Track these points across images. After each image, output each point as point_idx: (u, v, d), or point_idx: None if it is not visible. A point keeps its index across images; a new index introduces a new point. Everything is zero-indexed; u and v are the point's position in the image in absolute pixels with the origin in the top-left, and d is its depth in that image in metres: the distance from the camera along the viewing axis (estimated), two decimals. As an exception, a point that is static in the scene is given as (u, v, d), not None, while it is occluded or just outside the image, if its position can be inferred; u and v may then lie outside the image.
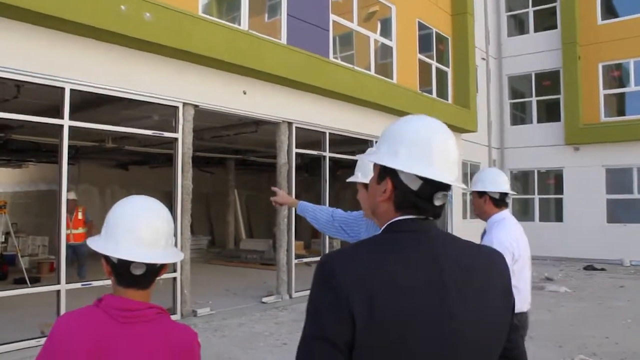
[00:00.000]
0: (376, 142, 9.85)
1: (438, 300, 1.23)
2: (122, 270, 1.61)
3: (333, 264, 1.26)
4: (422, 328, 1.21)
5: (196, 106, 7.94)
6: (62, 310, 6.34)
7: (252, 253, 14.97)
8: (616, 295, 10.95)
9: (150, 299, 1.68)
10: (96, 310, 1.64)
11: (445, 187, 1.34)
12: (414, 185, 1.33)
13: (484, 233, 3.66)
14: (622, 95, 17.58)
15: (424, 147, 1.34)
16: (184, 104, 7.77)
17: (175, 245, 1.75)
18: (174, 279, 7.71)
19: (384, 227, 1.37)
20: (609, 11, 17.57)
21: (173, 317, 7.24)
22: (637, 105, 16.78)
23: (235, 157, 15.89)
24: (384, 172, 1.38)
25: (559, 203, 18.06)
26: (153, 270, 1.63)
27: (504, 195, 3.48)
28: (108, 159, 16.01)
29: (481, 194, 3.50)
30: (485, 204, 3.51)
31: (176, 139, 7.74)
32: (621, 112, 17.46)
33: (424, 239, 1.32)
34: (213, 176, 17.75)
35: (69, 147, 6.52)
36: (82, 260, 10.10)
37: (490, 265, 1.37)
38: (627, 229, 16.13)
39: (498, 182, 3.48)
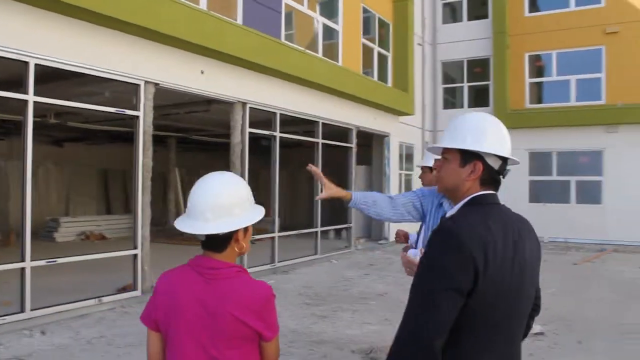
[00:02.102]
0: (322, 122, 10.16)
1: (515, 251, 1.70)
2: (196, 237, 1.91)
3: (459, 229, 1.65)
4: (508, 265, 1.67)
5: (157, 84, 7.97)
6: (28, 288, 6.35)
7: (195, 231, 14.98)
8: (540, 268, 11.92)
9: (234, 260, 1.96)
10: (188, 268, 1.94)
11: (506, 164, 1.84)
12: (496, 165, 1.81)
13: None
14: (544, 84, 18.80)
15: (500, 137, 1.83)
16: (146, 82, 7.78)
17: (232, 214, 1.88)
18: (135, 255, 7.79)
19: (469, 198, 1.80)
20: (535, 5, 18.68)
21: (134, 293, 7.40)
22: (557, 94, 18.03)
23: (177, 135, 15.78)
24: (470, 157, 1.81)
25: (485, 184, 19.13)
26: (218, 237, 1.89)
27: None
28: (43, 135, 15.46)
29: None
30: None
31: (137, 116, 7.75)
32: (544, 99, 18.65)
33: (499, 208, 1.79)
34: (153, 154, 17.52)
35: (5, 121, 6.40)
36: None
37: (527, 224, 1.85)
38: (546, 208, 17.40)
39: None
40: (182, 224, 1.92)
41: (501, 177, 1.83)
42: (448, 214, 1.86)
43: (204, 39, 8.26)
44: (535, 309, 1.96)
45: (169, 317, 1.90)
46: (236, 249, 1.95)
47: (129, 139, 15.68)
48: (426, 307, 1.58)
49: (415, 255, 3.75)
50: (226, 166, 19.54)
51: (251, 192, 2.01)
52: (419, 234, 4.12)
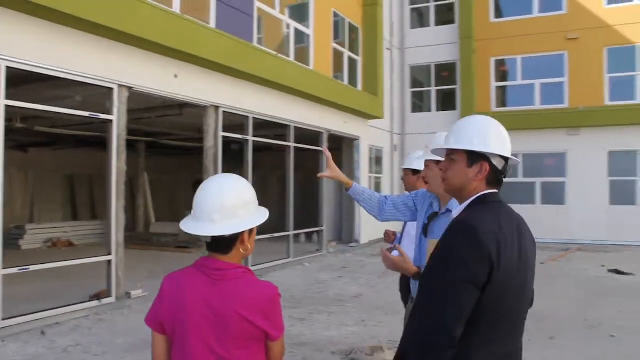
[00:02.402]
0: (294, 126, 10.18)
1: (520, 243, 1.84)
2: (201, 239, 1.94)
3: (476, 225, 1.77)
4: (515, 260, 1.81)
5: (131, 88, 7.88)
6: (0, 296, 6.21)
7: (165, 236, 14.85)
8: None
9: (239, 261, 1.99)
10: (194, 270, 1.96)
11: (507, 163, 1.97)
12: (500, 165, 1.94)
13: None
14: (510, 88, 19.23)
15: (503, 139, 1.97)
16: (119, 86, 7.70)
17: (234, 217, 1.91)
18: (109, 261, 7.68)
19: (477, 196, 1.93)
20: (500, 11, 19.13)
21: (108, 300, 7.30)
22: (522, 98, 18.47)
23: (146, 139, 15.59)
24: (476, 157, 1.93)
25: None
26: (224, 239, 1.91)
27: None
28: (7, 140, 15.05)
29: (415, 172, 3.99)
30: (418, 181, 4.06)
31: (111, 121, 7.65)
32: (509, 103, 19.07)
33: (503, 206, 1.92)
34: (120, 159, 17.27)
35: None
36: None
37: (524, 221, 1.98)
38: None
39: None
40: (188, 226, 1.94)
41: (503, 176, 1.96)
42: (455, 212, 1.94)
43: (179, 43, 8.22)
44: (530, 302, 2.07)
45: (176, 318, 1.91)
46: (241, 250, 1.98)
47: (96, 143, 15.60)
48: (448, 298, 1.71)
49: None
50: (198, 171, 19.47)
51: (255, 195, 2.04)
52: (401, 233, 4.24)
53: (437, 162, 2.99)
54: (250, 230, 1.98)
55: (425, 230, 3.07)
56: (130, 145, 16.39)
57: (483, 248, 1.72)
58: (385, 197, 3.42)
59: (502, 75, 19.17)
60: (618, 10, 17.17)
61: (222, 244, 1.93)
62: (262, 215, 2.01)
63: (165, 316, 1.94)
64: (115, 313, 7.49)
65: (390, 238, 4.18)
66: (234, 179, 2.00)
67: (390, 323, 7.10)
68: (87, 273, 8.54)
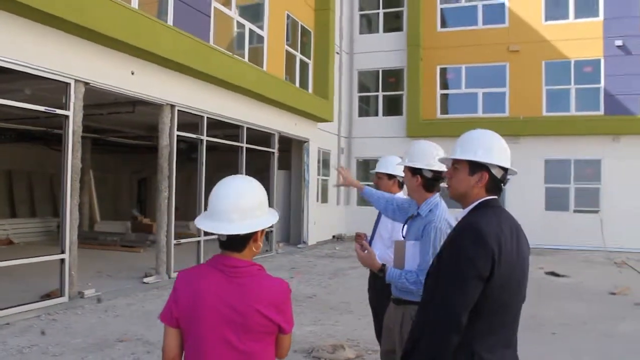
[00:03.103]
0: (247, 127, 10.21)
1: (517, 243, 2.08)
2: (217, 237, 2.04)
3: (481, 227, 2.01)
4: (514, 258, 2.05)
5: (87, 84, 7.73)
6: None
7: (110, 235, 14.52)
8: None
9: (251, 258, 2.08)
10: (209, 267, 2.05)
11: (506, 173, 2.19)
12: (499, 174, 2.17)
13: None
14: (454, 96, 19.88)
15: (502, 150, 2.19)
16: (76, 81, 7.53)
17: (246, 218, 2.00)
18: (62, 260, 7.50)
19: (479, 202, 2.15)
20: (446, 21, 19.77)
21: (60, 299, 7.14)
22: (466, 106, 19.15)
23: (93, 136, 15.17)
24: (477, 167, 2.15)
25: (398, 189, 20.02)
26: (239, 238, 2.01)
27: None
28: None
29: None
30: (393, 185, 4.33)
31: (67, 116, 7.48)
32: (454, 110, 19.68)
33: (503, 211, 2.15)
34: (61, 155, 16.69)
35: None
36: None
37: (519, 224, 2.21)
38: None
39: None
40: (206, 225, 2.01)
41: (502, 184, 2.19)
42: (460, 215, 2.14)
43: (137, 39, 8.13)
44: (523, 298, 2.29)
45: (192, 313, 1.99)
46: (253, 249, 2.08)
47: (36, 138, 15.03)
48: (457, 289, 1.96)
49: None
50: (141, 169, 19.04)
51: (267, 196, 2.15)
52: (372, 234, 4.43)
53: (412, 172, 3.28)
54: (262, 230, 2.08)
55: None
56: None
57: (487, 247, 1.96)
58: (393, 197, 3.75)
59: (447, 83, 19.81)
60: (555, 27, 18.13)
61: (237, 243, 2.02)
62: (273, 215, 2.11)
63: (181, 311, 2.01)
64: (68, 313, 7.32)
65: (362, 239, 4.35)
66: (248, 181, 2.10)
67: (345, 322, 7.29)
68: (32, 272, 8.28)
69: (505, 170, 2.19)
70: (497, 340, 2.04)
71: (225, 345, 1.96)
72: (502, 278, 1.99)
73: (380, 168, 4.33)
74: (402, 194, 4.36)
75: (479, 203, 2.15)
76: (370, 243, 4.37)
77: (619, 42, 17.23)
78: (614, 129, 17.13)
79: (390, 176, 4.26)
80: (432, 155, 3.22)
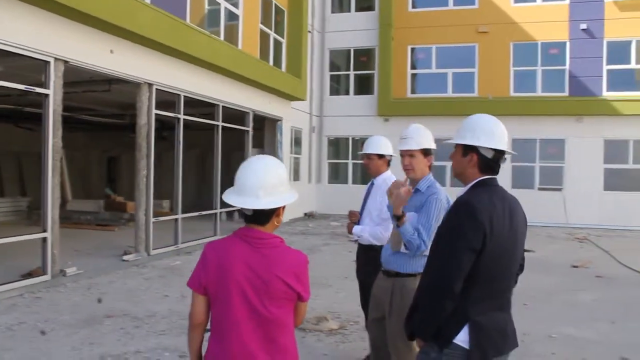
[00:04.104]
0: (222, 106, 10.33)
1: (510, 219, 2.30)
2: (243, 211, 2.23)
3: (473, 202, 2.22)
4: (506, 232, 2.26)
5: (67, 62, 7.70)
6: None
7: (84, 214, 14.45)
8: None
9: (272, 231, 2.29)
10: (235, 238, 2.24)
11: (503, 153, 2.38)
12: (489, 155, 2.35)
13: (371, 185, 4.64)
14: (425, 75, 20.17)
15: (492, 134, 2.36)
16: (56, 59, 7.50)
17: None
18: (44, 239, 7.54)
19: (475, 182, 2.36)
20: (417, 1, 19.93)
21: (43, 277, 7.21)
22: (436, 85, 19.47)
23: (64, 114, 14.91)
24: (468, 149, 2.35)
25: (369, 168, 20.32)
26: (264, 212, 2.20)
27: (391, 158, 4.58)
28: None
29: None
30: (382, 164, 4.55)
31: (47, 95, 7.45)
32: (424, 90, 19.99)
33: (498, 188, 2.36)
34: (31, 133, 16.41)
35: None
36: None
37: (517, 202, 2.43)
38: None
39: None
40: (234, 199, 2.20)
41: (499, 164, 2.38)
42: (459, 193, 2.37)
43: (116, 18, 8.10)
44: (521, 268, 2.58)
45: (221, 280, 2.17)
46: (275, 223, 2.29)
47: (3, 116, 14.70)
48: (450, 260, 2.20)
49: (362, 231, 4.35)
50: (110, 147, 18.72)
51: (287, 173, 2.34)
52: (361, 212, 4.66)
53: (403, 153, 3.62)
54: (284, 205, 2.27)
55: None
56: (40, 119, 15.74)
57: (478, 221, 2.19)
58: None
59: (418, 63, 20.07)
60: (523, 9, 18.53)
61: (262, 217, 2.22)
62: (294, 192, 2.31)
63: (210, 279, 2.19)
64: (51, 291, 7.39)
65: (356, 217, 4.57)
66: (274, 160, 2.29)
67: (325, 296, 7.55)
68: (7, 252, 8.24)
69: (497, 150, 2.36)
70: (489, 305, 2.29)
71: (250, 310, 2.16)
72: (494, 250, 2.21)
73: (370, 149, 4.53)
74: (389, 173, 4.59)
75: (476, 182, 2.36)
76: (358, 221, 4.60)
77: (583, 26, 17.74)
78: (577, 110, 17.73)
79: (380, 156, 4.48)
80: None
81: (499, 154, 2.37)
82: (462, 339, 2.24)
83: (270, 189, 2.18)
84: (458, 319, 2.24)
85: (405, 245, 3.32)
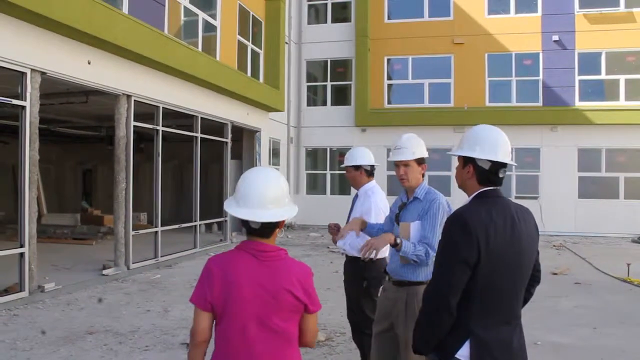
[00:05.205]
0: (201, 117, 10.26)
1: (512, 232, 2.23)
2: (246, 224, 2.19)
3: (466, 217, 2.18)
4: (508, 247, 2.20)
5: (44, 73, 7.57)
6: None
7: (60, 228, 14.15)
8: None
9: (274, 243, 2.25)
10: (240, 252, 2.21)
11: (504, 165, 2.32)
12: (486, 166, 2.30)
13: (356, 197, 4.69)
14: (401, 86, 20.34)
15: (489, 145, 2.31)
16: (32, 70, 7.37)
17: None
18: (21, 254, 7.35)
19: (475, 194, 2.32)
20: (393, 13, 20.13)
21: (21, 294, 7.02)
22: (412, 96, 19.64)
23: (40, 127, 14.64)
24: (467, 161, 2.33)
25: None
26: (270, 225, 2.18)
27: (373, 168, 4.58)
28: None
29: (357, 167, 4.53)
30: (360, 175, 4.53)
31: (23, 107, 7.30)
32: (401, 100, 20.13)
33: (500, 200, 2.30)
34: (3, 146, 16.09)
35: None
36: None
37: (528, 213, 2.37)
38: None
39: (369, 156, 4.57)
40: (240, 212, 2.16)
41: (498, 175, 2.31)
42: (459, 206, 2.35)
43: (93, 28, 7.99)
44: (536, 279, 2.51)
45: (228, 295, 2.12)
46: (277, 234, 2.27)
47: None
48: (444, 274, 2.19)
49: (344, 244, 4.33)
50: (85, 160, 18.50)
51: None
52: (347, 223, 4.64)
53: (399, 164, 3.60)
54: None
55: (397, 218, 3.53)
56: (15, 132, 15.43)
57: (472, 235, 2.14)
58: (385, 218, 4.01)
59: (394, 74, 20.23)
60: (497, 21, 18.86)
61: (267, 229, 2.19)
62: (295, 204, 2.30)
63: (216, 295, 2.13)
64: (30, 307, 7.21)
65: (334, 230, 4.51)
66: (275, 172, 2.29)
67: (310, 308, 7.48)
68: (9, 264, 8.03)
69: (495, 162, 2.28)
70: (494, 319, 2.22)
71: (259, 324, 2.12)
72: (491, 264, 2.15)
73: (346, 161, 4.59)
74: (372, 183, 4.59)
75: (476, 194, 2.31)
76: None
77: (555, 37, 18.12)
78: (551, 119, 18.07)
79: (357, 167, 4.50)
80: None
81: (498, 165, 2.30)
82: (463, 353, 2.20)
83: (276, 201, 2.17)
84: (459, 334, 2.20)
85: (414, 260, 3.33)
